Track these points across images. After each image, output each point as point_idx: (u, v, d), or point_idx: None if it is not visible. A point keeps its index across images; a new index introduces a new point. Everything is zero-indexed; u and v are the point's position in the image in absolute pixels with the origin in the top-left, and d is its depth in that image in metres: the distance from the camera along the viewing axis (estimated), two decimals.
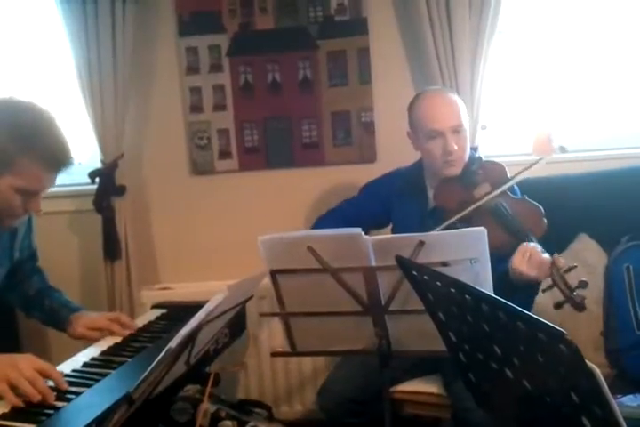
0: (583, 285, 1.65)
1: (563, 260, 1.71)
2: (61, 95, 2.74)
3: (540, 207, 1.89)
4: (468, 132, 2.02)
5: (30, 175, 1.46)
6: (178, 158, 2.71)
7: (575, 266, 1.71)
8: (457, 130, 1.96)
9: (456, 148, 1.94)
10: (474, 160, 2.02)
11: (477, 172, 1.97)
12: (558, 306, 1.68)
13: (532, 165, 1.90)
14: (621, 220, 2.27)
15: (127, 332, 1.74)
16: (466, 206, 1.85)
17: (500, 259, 1.74)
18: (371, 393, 1.89)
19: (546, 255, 1.71)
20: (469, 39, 2.43)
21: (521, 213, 1.85)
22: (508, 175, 1.95)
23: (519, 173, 1.91)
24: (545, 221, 1.86)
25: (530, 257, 1.71)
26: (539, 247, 1.74)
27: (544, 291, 1.73)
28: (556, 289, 1.69)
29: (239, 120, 2.66)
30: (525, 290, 1.77)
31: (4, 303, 1.88)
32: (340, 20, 2.59)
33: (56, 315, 1.81)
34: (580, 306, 1.65)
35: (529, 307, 1.88)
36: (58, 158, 1.49)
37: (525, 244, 1.75)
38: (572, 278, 1.68)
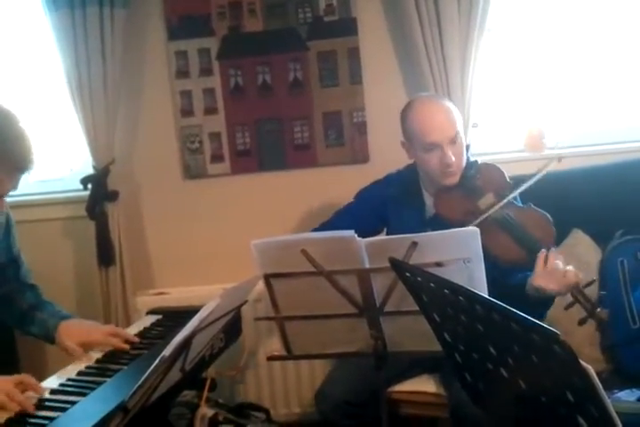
0: (604, 299, 1.66)
1: (581, 274, 1.67)
2: (51, 101, 2.73)
3: (548, 215, 1.84)
4: (465, 139, 1.98)
5: None
6: (170, 163, 2.70)
7: (595, 280, 1.69)
8: (454, 140, 1.90)
9: (454, 159, 1.88)
10: (471, 165, 1.97)
11: (476, 177, 1.92)
12: (582, 322, 1.66)
13: (534, 176, 1.85)
14: (615, 215, 2.27)
15: (126, 345, 1.65)
16: (471, 217, 1.80)
17: (513, 271, 1.72)
18: (368, 395, 1.88)
19: (569, 268, 1.66)
20: (459, 37, 2.43)
21: (528, 223, 1.81)
22: (507, 179, 1.91)
23: (523, 184, 1.85)
24: (553, 229, 1.81)
25: (552, 272, 1.66)
26: (560, 259, 1.68)
27: (566, 308, 1.69)
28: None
29: (230, 123, 2.65)
30: (539, 306, 1.73)
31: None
32: (329, 21, 2.59)
33: (45, 325, 1.73)
34: (603, 322, 1.65)
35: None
36: (19, 161, 1.46)
37: (543, 251, 1.69)
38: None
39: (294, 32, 2.60)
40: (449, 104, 1.98)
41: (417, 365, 2.06)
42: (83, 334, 1.65)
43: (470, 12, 2.41)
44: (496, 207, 1.82)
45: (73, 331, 1.66)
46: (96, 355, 1.63)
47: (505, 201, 1.83)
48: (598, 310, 1.63)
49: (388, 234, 2.10)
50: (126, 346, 1.65)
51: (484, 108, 2.59)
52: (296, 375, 2.61)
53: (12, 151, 1.44)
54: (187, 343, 1.22)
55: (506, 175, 1.93)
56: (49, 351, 2.67)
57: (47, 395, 1.37)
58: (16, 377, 1.36)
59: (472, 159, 2.03)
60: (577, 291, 1.65)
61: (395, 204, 2.06)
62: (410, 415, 2.07)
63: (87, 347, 1.65)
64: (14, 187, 1.52)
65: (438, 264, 1.43)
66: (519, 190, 1.85)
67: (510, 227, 1.80)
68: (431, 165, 1.92)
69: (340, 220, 2.14)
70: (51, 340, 1.71)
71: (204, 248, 2.69)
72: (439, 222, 1.86)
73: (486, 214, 1.81)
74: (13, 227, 1.80)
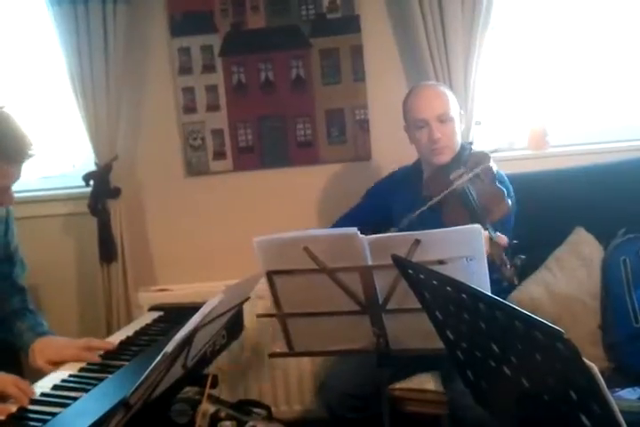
0: (518, 261, 1.70)
1: (505, 238, 1.74)
2: (54, 98, 2.72)
3: (503, 190, 1.94)
4: (458, 123, 2.07)
5: None
6: (172, 159, 2.70)
7: (515, 242, 1.75)
8: (442, 119, 2.01)
9: (440, 136, 1.99)
10: (465, 149, 2.07)
11: (466, 160, 2.02)
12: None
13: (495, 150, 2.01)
14: (618, 213, 2.27)
15: (99, 353, 1.61)
16: (441, 192, 1.92)
17: None
18: (371, 389, 1.88)
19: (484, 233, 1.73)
20: (462, 35, 2.43)
21: (483, 196, 1.91)
22: (491, 164, 1.98)
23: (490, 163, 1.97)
24: (507, 202, 1.90)
25: None
26: None
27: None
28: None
29: (233, 120, 2.65)
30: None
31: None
32: (332, 18, 2.58)
33: (22, 338, 1.69)
34: (508, 279, 1.70)
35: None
36: (17, 150, 1.48)
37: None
38: None
39: (297, 29, 2.59)
40: (446, 90, 2.11)
41: (418, 362, 2.06)
42: (52, 353, 1.61)
43: (474, 9, 2.40)
44: (460, 181, 1.91)
45: (44, 349, 1.63)
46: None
47: (469, 176, 1.92)
48: (505, 266, 1.69)
49: (393, 215, 2.16)
50: (96, 358, 1.59)
51: (486, 106, 2.59)
52: (298, 373, 2.61)
53: (6, 142, 1.46)
54: (189, 340, 1.22)
55: (491, 159, 2.01)
56: None
57: (49, 390, 1.37)
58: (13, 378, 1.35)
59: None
60: (496, 250, 1.71)
61: (398, 186, 2.17)
62: (412, 413, 2.07)
63: (59, 363, 1.59)
64: (15, 177, 1.53)
65: (441, 262, 1.43)
66: (480, 167, 1.93)
67: (467, 199, 1.90)
68: (421, 142, 2.05)
69: (355, 214, 2.24)
70: (24, 352, 1.68)
71: (206, 245, 2.69)
72: (425, 201, 1.94)
73: (452, 187, 1.91)
74: (13, 221, 1.79)
